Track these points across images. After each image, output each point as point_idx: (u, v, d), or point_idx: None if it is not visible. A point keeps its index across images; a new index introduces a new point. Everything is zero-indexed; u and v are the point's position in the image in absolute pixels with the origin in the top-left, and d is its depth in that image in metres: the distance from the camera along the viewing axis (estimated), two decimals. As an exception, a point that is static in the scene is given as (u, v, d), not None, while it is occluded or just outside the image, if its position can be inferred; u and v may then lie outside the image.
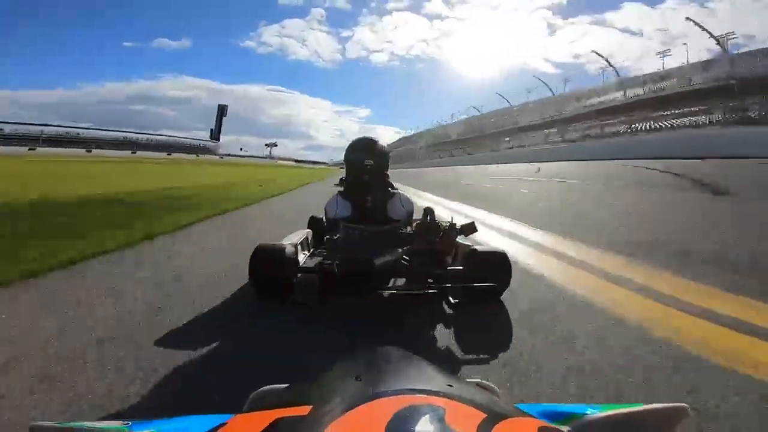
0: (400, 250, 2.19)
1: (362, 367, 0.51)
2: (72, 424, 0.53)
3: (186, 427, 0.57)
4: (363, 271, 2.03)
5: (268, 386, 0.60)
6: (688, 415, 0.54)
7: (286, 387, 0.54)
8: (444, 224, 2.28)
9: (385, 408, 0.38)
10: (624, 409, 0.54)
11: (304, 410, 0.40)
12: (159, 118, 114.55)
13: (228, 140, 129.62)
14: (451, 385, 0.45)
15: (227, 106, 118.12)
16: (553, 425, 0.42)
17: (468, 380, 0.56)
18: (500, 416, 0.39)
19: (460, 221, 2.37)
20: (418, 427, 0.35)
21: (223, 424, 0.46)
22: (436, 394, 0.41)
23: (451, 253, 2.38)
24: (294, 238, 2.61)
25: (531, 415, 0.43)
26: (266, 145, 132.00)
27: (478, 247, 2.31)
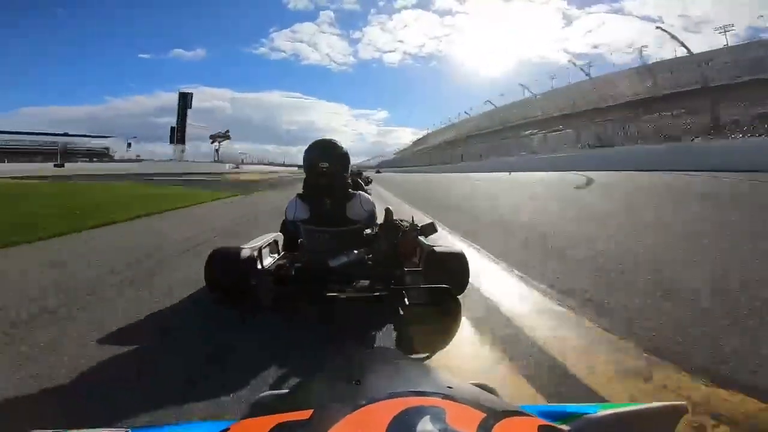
0: (356, 251, 2.16)
1: (362, 370, 0.51)
2: (70, 431, 0.53)
3: None
4: (318, 274, 2.03)
5: (269, 392, 0.61)
6: (686, 414, 0.54)
7: (286, 392, 0.54)
8: (405, 225, 2.29)
9: (385, 411, 0.38)
10: (624, 408, 0.55)
11: (305, 414, 0.40)
12: (186, 130, 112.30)
13: (250, 148, 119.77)
14: (450, 387, 0.45)
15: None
16: (553, 424, 0.42)
17: (467, 381, 0.56)
18: (500, 416, 0.39)
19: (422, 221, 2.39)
20: (418, 429, 0.35)
21: (224, 430, 0.46)
22: (436, 395, 0.42)
23: (415, 254, 2.39)
24: (260, 242, 2.58)
25: (531, 415, 0.44)
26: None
27: (436, 248, 2.34)
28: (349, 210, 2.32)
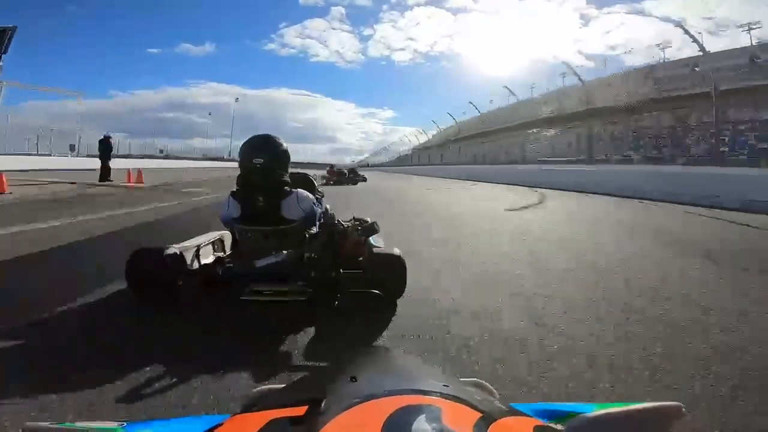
0: (286, 252, 2.09)
1: (358, 367, 0.51)
2: (66, 424, 0.53)
3: (182, 428, 0.57)
4: (242, 275, 2.01)
5: (264, 386, 0.60)
6: (682, 414, 0.55)
7: (282, 387, 0.54)
8: (347, 225, 2.26)
9: (380, 408, 0.38)
10: (618, 407, 0.55)
11: (300, 411, 0.40)
12: (190, 125, 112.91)
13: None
14: (447, 385, 0.45)
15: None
16: (548, 424, 0.42)
17: (463, 380, 0.56)
18: (496, 415, 0.39)
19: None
20: (414, 427, 0.35)
21: (219, 425, 0.46)
22: (432, 394, 0.41)
23: (361, 254, 2.26)
24: (199, 240, 2.53)
25: (526, 414, 0.44)
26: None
27: (375, 249, 2.28)
28: (284, 208, 2.18)
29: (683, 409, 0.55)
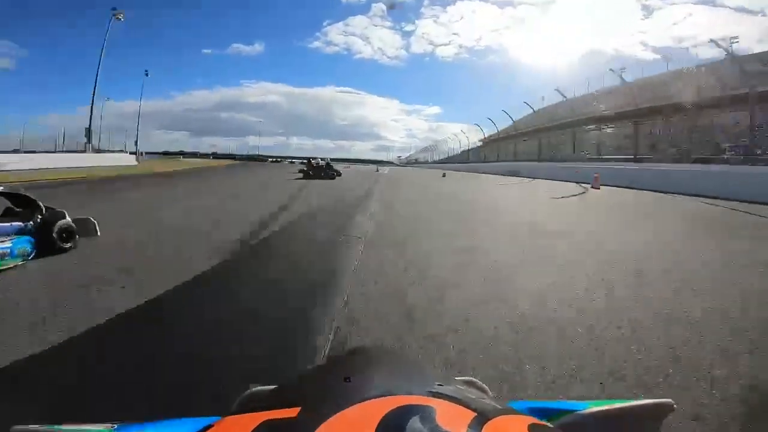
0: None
1: (351, 368, 0.51)
2: (55, 427, 0.52)
3: (172, 430, 0.56)
4: None
5: (256, 387, 0.60)
6: (673, 410, 0.55)
7: (274, 388, 0.54)
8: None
9: (374, 409, 0.37)
10: (612, 405, 0.55)
11: (292, 412, 0.39)
12: (243, 124, 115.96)
13: (301, 143, 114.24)
14: (441, 385, 0.45)
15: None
16: (542, 422, 0.42)
17: (457, 379, 0.56)
18: (490, 414, 0.39)
19: None
20: (408, 428, 0.35)
21: (210, 426, 0.45)
22: (426, 394, 0.41)
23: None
24: None
25: (521, 413, 0.44)
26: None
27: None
28: None
29: (674, 406, 0.56)
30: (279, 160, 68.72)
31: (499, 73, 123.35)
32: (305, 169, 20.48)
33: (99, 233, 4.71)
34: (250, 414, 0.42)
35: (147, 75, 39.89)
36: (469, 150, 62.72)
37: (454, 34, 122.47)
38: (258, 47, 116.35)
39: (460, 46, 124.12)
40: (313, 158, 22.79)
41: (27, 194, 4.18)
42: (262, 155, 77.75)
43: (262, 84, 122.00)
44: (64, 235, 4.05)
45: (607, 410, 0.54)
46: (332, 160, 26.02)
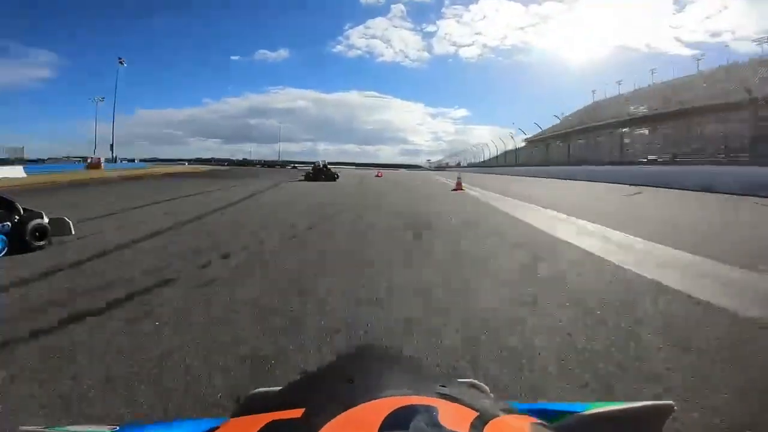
0: None
1: (354, 368, 0.51)
2: (59, 428, 0.52)
3: None
4: None
5: (260, 389, 0.60)
6: (674, 412, 0.56)
7: (278, 390, 0.54)
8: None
9: (377, 409, 0.38)
10: (612, 406, 0.56)
11: (297, 413, 0.40)
12: (272, 130, 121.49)
13: (327, 149, 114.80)
14: (443, 386, 0.45)
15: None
16: (543, 423, 0.43)
17: (460, 380, 0.56)
18: (492, 415, 0.40)
19: None
20: (411, 428, 0.35)
21: (215, 428, 0.45)
22: (429, 394, 0.42)
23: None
24: None
25: (522, 413, 0.44)
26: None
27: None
28: None
29: (675, 408, 0.56)
30: (269, 164, 66.09)
31: (527, 72, 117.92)
32: (310, 172, 22.18)
33: (74, 232, 5.01)
34: (254, 415, 0.42)
35: (122, 63, 41.74)
36: (516, 150, 58.06)
37: (478, 33, 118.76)
38: (283, 53, 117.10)
39: (485, 46, 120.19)
40: (316, 162, 24.23)
41: (5, 196, 4.62)
42: (251, 160, 77.71)
43: (288, 90, 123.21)
44: (37, 233, 4.43)
45: (607, 412, 0.54)
46: (359, 165, 27.41)
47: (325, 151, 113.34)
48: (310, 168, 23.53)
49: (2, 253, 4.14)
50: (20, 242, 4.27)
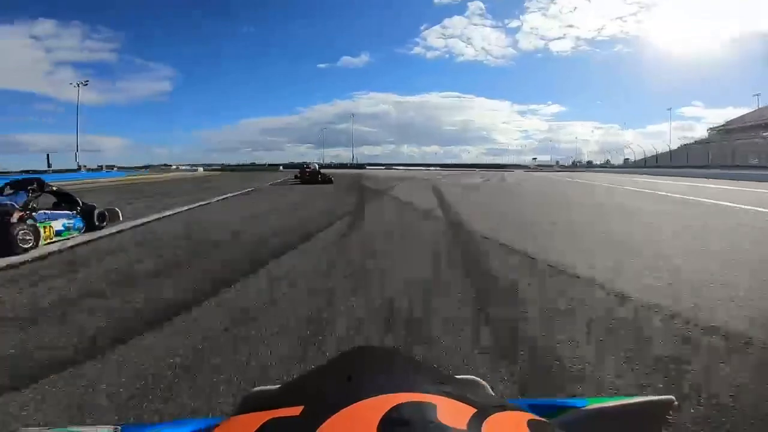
0: None
1: (353, 366, 0.51)
2: (60, 429, 0.52)
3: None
4: None
5: (258, 387, 0.60)
6: (674, 407, 0.56)
7: (277, 388, 0.54)
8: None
9: (376, 406, 0.38)
10: (612, 402, 0.56)
11: (295, 411, 0.40)
12: (358, 134, 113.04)
13: (409, 151, 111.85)
14: (442, 382, 0.45)
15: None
16: (542, 418, 0.43)
17: (458, 377, 0.56)
18: (490, 411, 0.39)
19: None
20: (410, 423, 0.35)
21: (213, 427, 0.45)
22: (427, 391, 0.41)
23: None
24: None
25: (521, 409, 0.44)
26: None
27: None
28: None
29: (676, 402, 0.56)
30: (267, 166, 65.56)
31: (630, 64, 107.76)
32: (299, 174, 22.60)
33: (122, 218, 7.08)
34: (253, 414, 0.42)
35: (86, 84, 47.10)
36: (687, 146, 44.41)
37: (569, 26, 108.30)
38: (364, 58, 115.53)
39: (578, 38, 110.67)
40: (306, 164, 24.65)
41: (69, 192, 6.36)
42: (254, 162, 77.29)
43: (371, 94, 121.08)
44: (99, 218, 6.48)
45: (607, 407, 0.54)
46: (443, 166, 27.11)
47: (409, 154, 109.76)
48: (298, 170, 23.78)
49: (82, 231, 6.09)
50: (88, 224, 6.21)
